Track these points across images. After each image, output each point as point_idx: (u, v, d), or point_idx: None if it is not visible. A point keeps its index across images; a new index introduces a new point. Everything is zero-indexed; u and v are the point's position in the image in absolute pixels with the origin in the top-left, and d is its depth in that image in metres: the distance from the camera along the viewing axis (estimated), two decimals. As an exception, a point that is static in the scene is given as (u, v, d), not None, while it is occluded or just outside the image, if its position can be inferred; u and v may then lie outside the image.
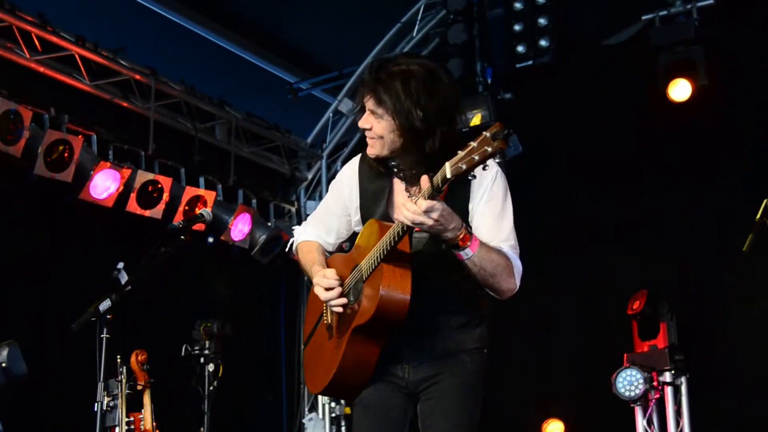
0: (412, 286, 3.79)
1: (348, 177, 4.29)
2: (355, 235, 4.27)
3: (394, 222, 3.83)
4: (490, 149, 3.40)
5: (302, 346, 4.46)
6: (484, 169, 3.50)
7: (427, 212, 3.59)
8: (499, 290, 3.91)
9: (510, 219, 4.01)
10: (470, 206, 3.99)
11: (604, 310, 9.06)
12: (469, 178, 3.63)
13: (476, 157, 3.42)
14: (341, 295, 4.00)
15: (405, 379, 4.06)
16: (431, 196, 3.58)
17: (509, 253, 3.91)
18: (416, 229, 3.70)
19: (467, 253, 3.74)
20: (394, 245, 3.76)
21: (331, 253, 4.41)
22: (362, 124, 4.02)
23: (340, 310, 4.00)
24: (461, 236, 3.70)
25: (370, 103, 3.97)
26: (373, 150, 4.03)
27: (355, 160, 4.29)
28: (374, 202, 4.13)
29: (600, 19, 9.64)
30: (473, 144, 3.43)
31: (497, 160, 3.48)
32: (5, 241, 7.84)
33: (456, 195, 3.92)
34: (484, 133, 3.43)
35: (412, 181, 4.03)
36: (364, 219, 4.16)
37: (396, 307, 3.78)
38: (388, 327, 3.86)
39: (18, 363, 6.27)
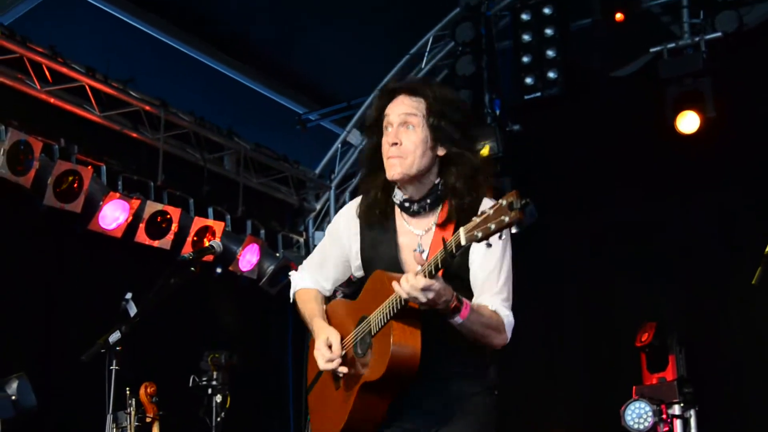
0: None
1: (346, 222, 4.20)
2: (350, 280, 4.27)
3: (402, 269, 3.83)
4: (507, 219, 3.34)
5: (307, 389, 4.43)
6: (500, 238, 3.43)
7: (423, 290, 3.57)
8: (489, 346, 3.91)
9: (507, 272, 3.96)
10: (470, 255, 3.93)
11: (612, 342, 9.03)
12: (486, 245, 3.52)
13: (492, 227, 3.37)
14: (345, 358, 3.96)
15: (414, 422, 3.99)
16: (430, 274, 3.55)
17: (500, 309, 3.89)
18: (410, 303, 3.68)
19: (457, 321, 3.72)
20: (403, 306, 3.72)
21: (329, 298, 4.36)
22: (391, 139, 3.91)
23: (340, 375, 4.00)
24: (453, 306, 3.68)
25: (402, 107, 3.93)
26: (399, 170, 3.90)
27: (352, 205, 4.20)
28: (378, 247, 4.06)
29: (608, 52, 9.66)
30: (489, 212, 3.39)
31: (513, 231, 3.42)
32: (14, 271, 7.85)
33: None
34: (500, 201, 3.38)
35: (417, 214, 3.99)
36: (366, 265, 4.10)
37: (407, 364, 3.76)
38: (399, 383, 3.83)
39: (27, 395, 6.28)
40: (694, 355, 8.29)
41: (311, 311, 4.22)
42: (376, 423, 3.97)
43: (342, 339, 4.01)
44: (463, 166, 3.90)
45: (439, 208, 3.97)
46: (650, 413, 7.89)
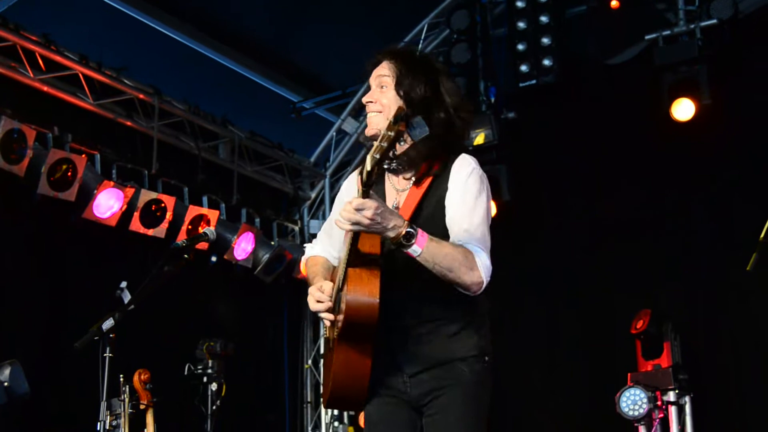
0: (393, 292, 3.81)
1: (347, 189, 4.33)
2: None
3: None
4: (392, 133, 3.43)
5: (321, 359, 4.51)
6: (394, 154, 3.67)
7: (358, 209, 3.62)
8: (462, 285, 3.86)
9: (481, 215, 3.97)
10: (446, 201, 3.99)
11: (607, 329, 9.03)
12: (394, 166, 3.85)
13: (384, 144, 3.45)
14: (330, 309, 4.01)
15: (407, 393, 4.05)
16: (363, 193, 3.61)
17: (472, 247, 3.88)
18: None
19: (415, 250, 3.74)
20: (352, 248, 3.77)
21: None
22: (366, 97, 4.14)
23: (327, 323, 4.06)
24: (403, 233, 3.70)
25: (378, 70, 4.16)
26: (373, 126, 4.09)
27: (355, 173, 4.29)
28: None
29: (603, 39, 9.65)
30: (382, 131, 3.46)
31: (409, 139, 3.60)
32: (7, 260, 7.84)
33: (435, 192, 3.99)
34: (388, 118, 3.49)
35: (397, 172, 4.08)
36: None
37: (365, 309, 3.77)
38: (363, 330, 3.84)
39: (20, 382, 6.27)
40: (689, 342, 8.30)
41: (314, 273, 4.31)
42: (362, 383, 3.98)
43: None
44: (435, 124, 3.92)
45: (420, 165, 4.04)
46: (645, 400, 7.90)
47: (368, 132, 4.12)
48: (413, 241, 3.72)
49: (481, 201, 3.98)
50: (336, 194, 4.57)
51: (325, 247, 4.43)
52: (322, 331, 10.25)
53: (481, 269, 3.86)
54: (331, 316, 4.00)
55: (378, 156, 3.47)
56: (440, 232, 3.93)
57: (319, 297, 4.01)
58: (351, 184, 4.33)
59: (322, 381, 4.51)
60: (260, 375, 10.15)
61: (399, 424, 4.07)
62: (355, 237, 3.77)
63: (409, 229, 3.71)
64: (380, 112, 4.08)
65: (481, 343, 4.05)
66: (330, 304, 4.00)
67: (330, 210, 10.79)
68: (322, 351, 10.24)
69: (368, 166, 3.51)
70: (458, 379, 3.98)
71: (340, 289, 3.95)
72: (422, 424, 4.07)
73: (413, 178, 4.04)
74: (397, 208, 3.98)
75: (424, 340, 3.99)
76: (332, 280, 4.19)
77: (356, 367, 3.95)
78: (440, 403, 3.99)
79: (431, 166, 4.02)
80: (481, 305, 4.06)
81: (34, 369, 6.77)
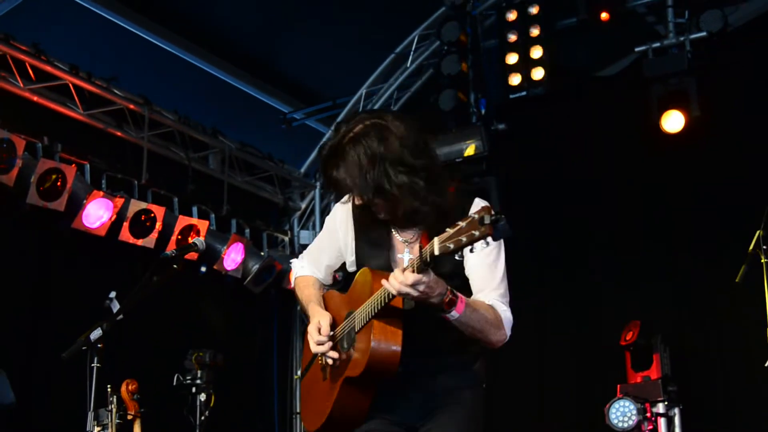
0: (404, 337, 3.80)
1: (341, 219, 4.26)
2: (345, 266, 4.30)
3: (393, 268, 3.82)
4: (477, 234, 3.38)
5: (300, 375, 4.46)
6: (471, 251, 3.45)
7: (414, 286, 3.60)
8: (488, 343, 3.93)
9: (502, 269, 4.01)
10: (465, 255, 3.97)
11: (597, 340, 9.04)
12: (457, 258, 3.65)
13: (463, 239, 3.41)
14: (333, 348, 4.01)
15: (402, 417, 4.04)
16: (419, 270, 3.58)
17: (498, 305, 3.93)
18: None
19: (453, 315, 3.75)
20: (384, 305, 3.76)
21: (328, 287, 4.43)
22: (357, 202, 3.99)
23: (330, 362, 4.03)
24: (447, 300, 3.71)
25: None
26: (383, 216, 3.99)
27: (348, 201, 4.20)
28: (373, 251, 4.11)
29: (593, 51, 9.68)
30: (461, 224, 3.42)
31: (485, 244, 3.43)
32: (-3, 269, 7.83)
33: None
34: (472, 215, 3.42)
35: (406, 228, 4.06)
36: (359, 261, 4.15)
37: (387, 362, 3.80)
38: (380, 379, 3.88)
39: (5, 392, 6.25)
40: (678, 354, 8.30)
41: (308, 296, 4.30)
42: (359, 417, 4.01)
43: (333, 327, 4.08)
44: (416, 193, 3.81)
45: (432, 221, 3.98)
46: (634, 412, 7.89)
47: (383, 218, 4.00)
48: (453, 307, 3.74)
49: (500, 254, 4.02)
50: (325, 206, 4.55)
51: (313, 269, 4.43)
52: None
53: (506, 328, 3.94)
54: (335, 355, 3.99)
55: (452, 247, 3.42)
56: (465, 280, 3.98)
57: (318, 340, 4.02)
58: (346, 215, 4.23)
59: (301, 395, 4.49)
60: (249, 385, 10.12)
61: None
62: (390, 299, 3.73)
63: (452, 297, 3.72)
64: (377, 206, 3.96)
65: (480, 373, 4.12)
66: (330, 345, 4.00)
67: (320, 222, 10.80)
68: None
69: (437, 251, 3.46)
70: (459, 400, 4.01)
71: (356, 331, 3.92)
72: None
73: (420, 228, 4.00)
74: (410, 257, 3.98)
75: (428, 374, 4.01)
76: (328, 301, 4.23)
77: (357, 406, 3.99)
78: (440, 421, 3.99)
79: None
80: None
81: (20, 378, 6.74)
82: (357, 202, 3.99)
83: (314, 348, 4.04)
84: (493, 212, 3.40)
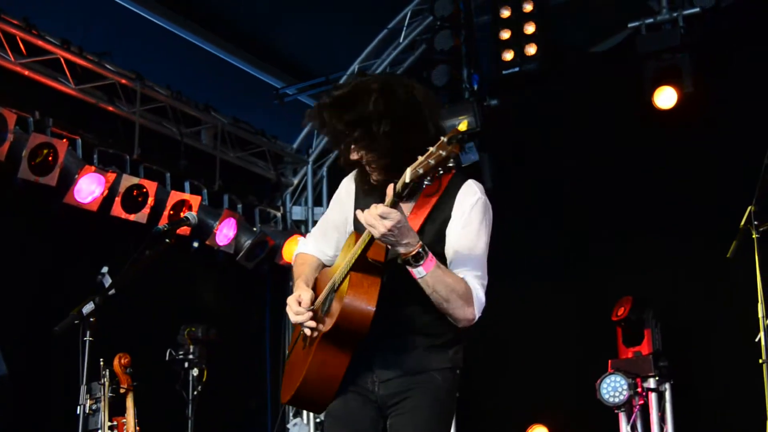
0: (382, 299, 3.79)
1: (347, 189, 4.29)
2: None
3: None
4: (444, 153, 3.43)
5: (286, 356, 4.45)
6: (439, 174, 3.51)
7: (382, 217, 3.61)
8: (453, 317, 3.91)
9: (482, 249, 4.00)
10: (447, 228, 3.99)
11: (588, 316, 9.05)
12: (426, 183, 3.61)
13: (432, 161, 3.45)
14: (312, 318, 3.99)
15: (375, 393, 4.05)
16: (392, 203, 3.62)
17: (471, 282, 3.91)
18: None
19: (419, 272, 3.75)
20: (362, 253, 3.77)
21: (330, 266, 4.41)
22: (353, 157, 4.03)
23: (308, 332, 4.01)
24: (413, 252, 3.72)
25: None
26: (377, 176, 4.02)
27: (354, 172, 4.27)
28: None
29: (586, 27, 9.66)
30: (431, 149, 3.47)
31: (451, 164, 3.48)
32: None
33: (438, 216, 3.99)
34: (441, 138, 3.47)
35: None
36: (356, 229, 4.14)
37: (359, 317, 3.79)
38: (352, 336, 3.85)
39: (-2, 364, 6.25)
40: (669, 329, 8.33)
41: (299, 274, 4.29)
42: (332, 386, 3.99)
43: (316, 299, 4.08)
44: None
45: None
46: (625, 387, 7.94)
47: (376, 179, 4.05)
48: (421, 262, 3.74)
49: (482, 234, 4.01)
50: (318, 181, 4.56)
51: (319, 245, 4.40)
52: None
53: (475, 306, 3.91)
54: (313, 324, 3.97)
55: (422, 171, 3.47)
56: (442, 257, 3.95)
57: (297, 310, 4.01)
58: (351, 185, 4.28)
59: (284, 375, 4.48)
60: (242, 361, 10.14)
61: (361, 422, 4.06)
62: (369, 244, 3.76)
63: (420, 250, 3.73)
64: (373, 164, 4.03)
65: (455, 357, 4.09)
66: (309, 315, 3.99)
67: (313, 198, 10.82)
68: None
69: (407, 179, 3.51)
70: (429, 385, 4.00)
71: (335, 290, 3.95)
72: (386, 425, 4.07)
73: (413, 200, 4.02)
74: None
75: (403, 349, 4.01)
76: (320, 280, 4.20)
77: (331, 370, 3.95)
78: (409, 405, 3.99)
79: (436, 188, 3.98)
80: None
81: (13, 352, 6.73)
82: (352, 156, 4.02)
83: (293, 318, 4.02)
84: (458, 132, 3.46)
